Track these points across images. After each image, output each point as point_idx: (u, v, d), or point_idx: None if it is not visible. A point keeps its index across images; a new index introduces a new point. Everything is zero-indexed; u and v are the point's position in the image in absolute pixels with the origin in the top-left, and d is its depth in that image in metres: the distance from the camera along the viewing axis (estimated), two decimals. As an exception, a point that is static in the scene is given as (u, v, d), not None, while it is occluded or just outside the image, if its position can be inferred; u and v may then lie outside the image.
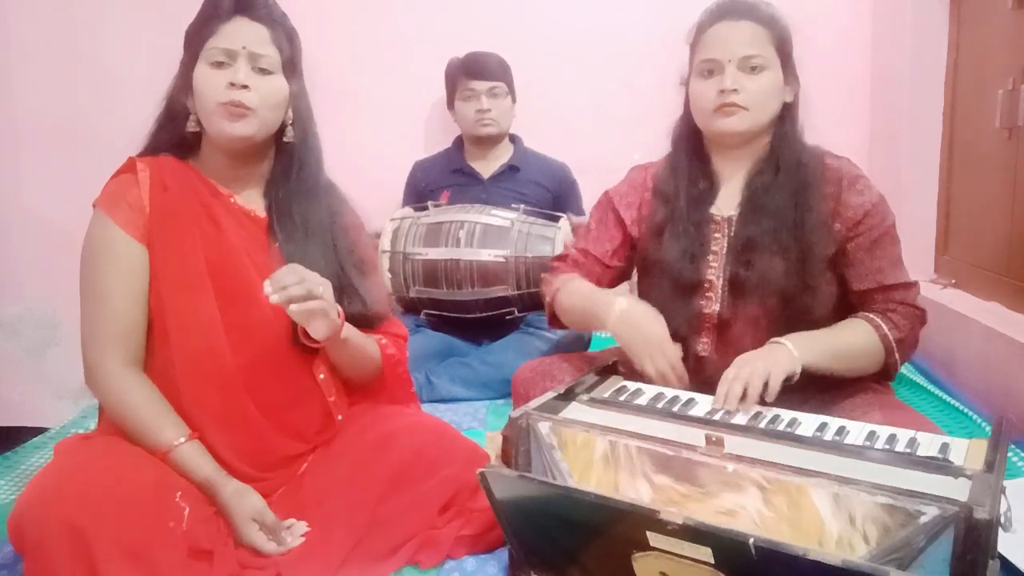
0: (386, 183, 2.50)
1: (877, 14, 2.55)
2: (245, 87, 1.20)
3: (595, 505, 0.93)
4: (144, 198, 1.23)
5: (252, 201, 1.32)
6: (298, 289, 1.12)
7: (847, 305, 1.36)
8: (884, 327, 1.29)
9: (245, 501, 1.17)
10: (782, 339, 1.23)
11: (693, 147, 1.40)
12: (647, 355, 1.19)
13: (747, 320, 1.31)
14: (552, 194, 2.40)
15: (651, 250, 1.39)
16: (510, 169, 2.39)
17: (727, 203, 1.37)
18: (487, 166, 2.41)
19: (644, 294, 1.41)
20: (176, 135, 1.28)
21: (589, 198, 2.43)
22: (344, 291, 1.30)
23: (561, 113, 2.61)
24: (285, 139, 1.29)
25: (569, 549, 1.05)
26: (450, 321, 2.25)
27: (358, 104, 2.62)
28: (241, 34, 1.22)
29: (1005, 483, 0.87)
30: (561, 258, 1.53)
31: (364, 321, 1.35)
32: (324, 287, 1.17)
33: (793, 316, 1.29)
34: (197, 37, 1.24)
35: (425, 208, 2.30)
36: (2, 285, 2.49)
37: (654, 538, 0.91)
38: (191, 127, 1.26)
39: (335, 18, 2.59)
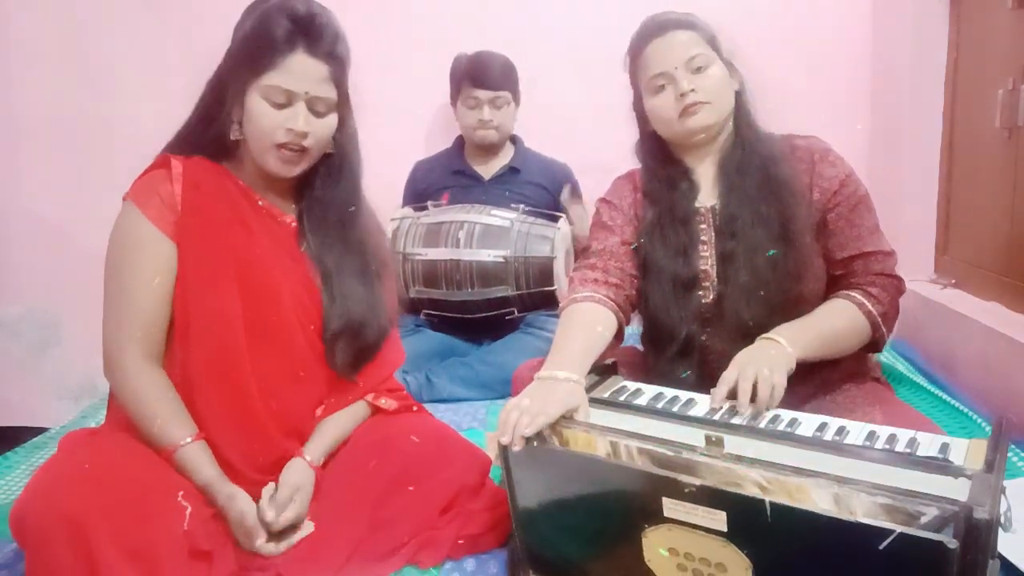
0: (387, 183, 2.50)
1: (877, 14, 2.55)
2: (304, 134, 1.20)
3: (615, 472, 0.98)
4: (176, 195, 1.22)
5: (284, 207, 1.32)
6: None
7: (830, 279, 1.38)
8: (867, 303, 1.31)
9: (233, 506, 1.17)
10: (774, 335, 1.24)
11: (662, 157, 1.44)
12: (525, 407, 1.09)
13: (743, 299, 1.33)
14: (552, 195, 2.40)
15: (647, 251, 1.40)
16: (511, 170, 2.39)
17: (708, 195, 1.41)
18: (488, 167, 2.41)
19: (644, 298, 1.41)
20: (211, 138, 1.26)
21: (589, 199, 2.42)
22: (371, 310, 1.32)
23: (561, 113, 2.61)
24: (327, 150, 1.29)
25: (578, 532, 1.07)
26: (450, 321, 2.25)
27: (359, 103, 2.60)
28: (303, 75, 1.18)
29: (1005, 483, 0.87)
30: (584, 259, 1.49)
31: (376, 345, 1.36)
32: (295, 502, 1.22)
33: (783, 287, 1.31)
34: (254, 62, 1.18)
35: (425, 208, 2.30)
36: (2, 285, 2.49)
37: (669, 506, 0.93)
38: (235, 135, 1.24)
39: (339, 17, 2.59)
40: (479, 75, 2.29)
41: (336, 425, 1.34)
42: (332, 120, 1.25)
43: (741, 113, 1.40)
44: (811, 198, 1.34)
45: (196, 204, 1.23)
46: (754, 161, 1.36)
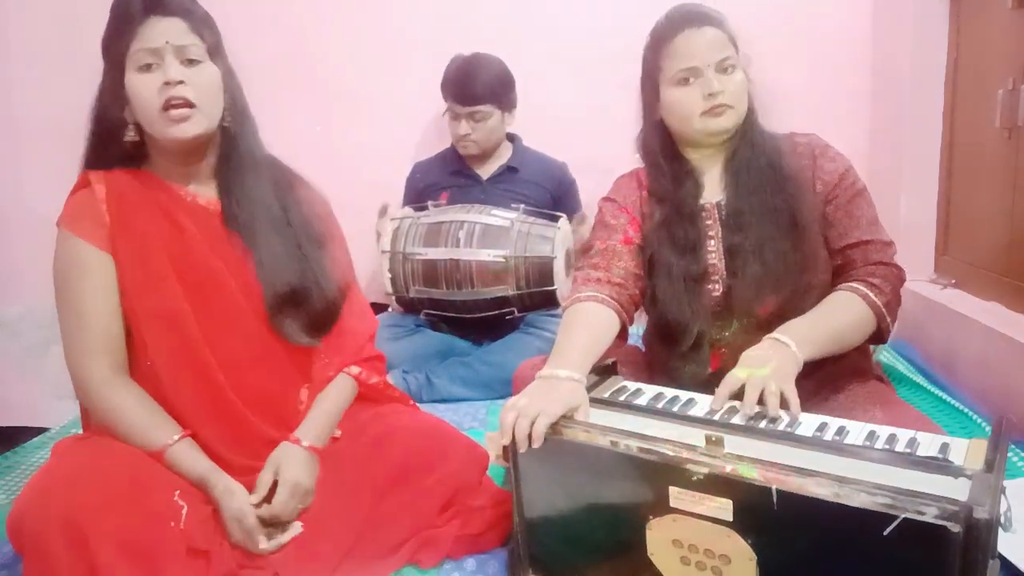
0: (386, 183, 2.50)
1: (877, 14, 2.55)
2: (180, 83, 1.19)
3: (622, 462, 1.00)
4: (102, 208, 1.23)
5: (207, 193, 1.31)
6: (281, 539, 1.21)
7: (832, 270, 1.38)
8: (871, 294, 1.30)
9: (231, 501, 1.18)
10: (781, 336, 1.22)
11: (668, 153, 1.44)
12: (523, 408, 1.08)
13: (751, 291, 1.33)
14: (551, 194, 2.40)
15: (654, 250, 1.40)
16: (509, 170, 2.38)
17: (713, 191, 1.41)
18: (486, 167, 2.40)
19: (652, 296, 1.41)
20: (117, 147, 1.26)
21: (588, 198, 2.42)
22: (305, 272, 1.31)
23: (561, 113, 2.61)
24: (223, 124, 1.29)
25: (583, 525, 1.08)
26: (450, 321, 2.25)
27: (357, 104, 2.62)
28: (161, 33, 1.20)
29: (1005, 483, 0.87)
30: (587, 259, 1.48)
31: (327, 311, 1.35)
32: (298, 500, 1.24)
33: (792, 276, 1.31)
34: (115, 46, 1.21)
35: (425, 208, 2.30)
36: (2, 285, 2.49)
37: (675, 495, 0.95)
38: (129, 137, 1.24)
39: (334, 18, 2.59)
40: (455, 90, 2.28)
41: (325, 403, 1.34)
42: (210, 69, 1.24)
43: (749, 112, 1.40)
44: (814, 190, 1.36)
45: (123, 213, 1.24)
46: (760, 157, 1.37)
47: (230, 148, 1.30)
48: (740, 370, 1.17)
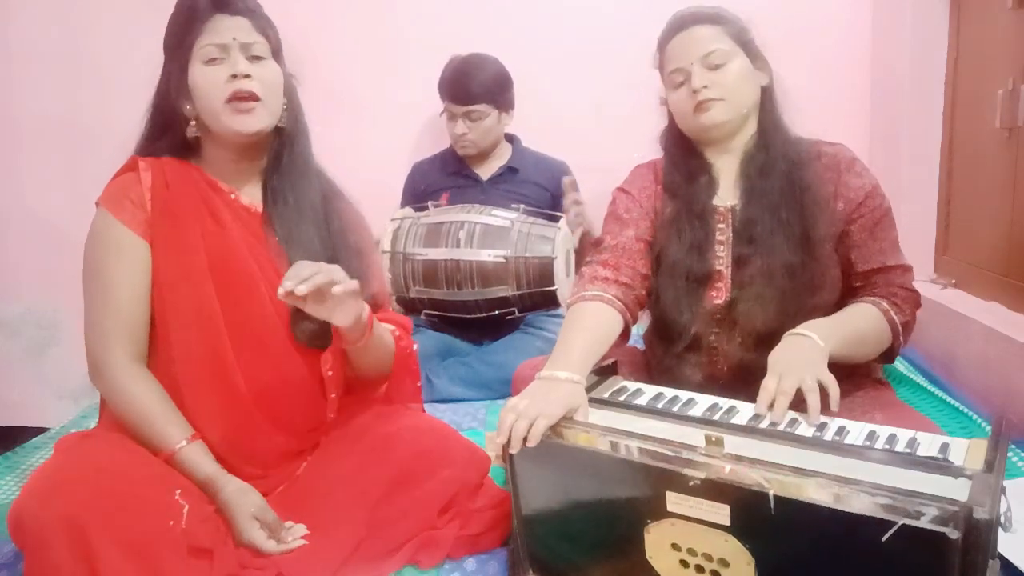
0: (384, 184, 2.49)
1: (877, 14, 2.55)
2: (247, 76, 1.21)
3: (619, 466, 1.00)
4: (146, 196, 1.24)
5: (252, 196, 1.33)
6: (322, 277, 1.11)
7: (848, 289, 1.38)
8: (891, 311, 1.31)
9: (246, 499, 1.18)
10: (803, 330, 1.20)
11: (685, 149, 1.44)
12: (522, 410, 1.08)
13: (756, 305, 1.32)
14: (551, 194, 2.39)
15: (663, 245, 1.40)
16: (508, 171, 2.38)
17: (728, 193, 1.40)
18: (485, 168, 2.40)
19: (655, 293, 1.41)
20: (173, 140, 1.28)
21: (588, 198, 2.42)
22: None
23: (561, 113, 2.61)
24: (279, 125, 1.30)
25: (581, 529, 1.08)
26: (450, 321, 2.25)
27: (356, 104, 2.61)
28: (227, 29, 1.23)
29: (1005, 483, 0.87)
30: (596, 254, 1.46)
31: None
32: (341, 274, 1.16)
33: (800, 296, 1.30)
34: (181, 41, 1.24)
35: (425, 208, 2.30)
36: (2, 285, 2.50)
37: (672, 500, 0.95)
38: (191, 133, 1.26)
39: (334, 18, 2.59)
40: (451, 89, 2.28)
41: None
42: (274, 67, 1.27)
43: (767, 109, 1.39)
44: (834, 207, 1.33)
45: (166, 203, 1.24)
46: (778, 165, 1.34)
47: (283, 150, 1.31)
48: (771, 378, 1.13)
